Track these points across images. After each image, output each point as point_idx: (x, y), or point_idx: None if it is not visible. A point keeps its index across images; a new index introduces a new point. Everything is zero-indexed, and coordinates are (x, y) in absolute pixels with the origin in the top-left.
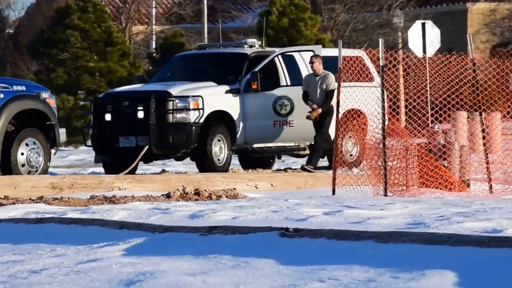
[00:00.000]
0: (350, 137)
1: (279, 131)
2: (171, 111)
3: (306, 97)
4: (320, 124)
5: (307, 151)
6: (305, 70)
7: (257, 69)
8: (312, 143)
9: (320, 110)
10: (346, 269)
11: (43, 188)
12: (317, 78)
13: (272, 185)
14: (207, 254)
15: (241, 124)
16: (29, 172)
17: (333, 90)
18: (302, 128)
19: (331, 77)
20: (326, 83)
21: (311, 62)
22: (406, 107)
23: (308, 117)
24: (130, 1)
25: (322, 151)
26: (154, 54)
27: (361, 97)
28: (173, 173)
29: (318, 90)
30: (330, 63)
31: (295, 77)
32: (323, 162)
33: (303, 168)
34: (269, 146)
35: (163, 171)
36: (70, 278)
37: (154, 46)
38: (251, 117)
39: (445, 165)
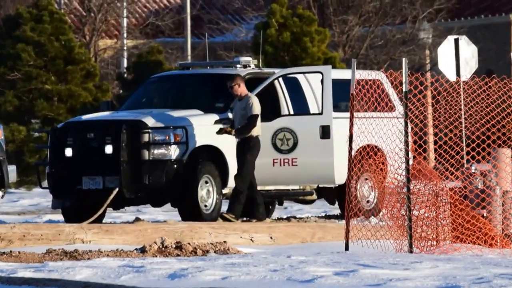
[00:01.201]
0: (366, 179)
1: (280, 171)
2: (146, 146)
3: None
4: (239, 161)
5: (315, 196)
6: (311, 96)
7: (253, 94)
8: (320, 185)
9: (232, 131)
10: None
11: None
12: (239, 102)
13: (271, 237)
14: None
15: (233, 163)
16: None
17: (254, 116)
18: (308, 168)
19: (253, 100)
20: (247, 107)
21: (230, 87)
22: (435, 142)
23: (217, 131)
24: (96, 9)
25: (245, 196)
26: (126, 75)
27: (379, 130)
28: (149, 222)
29: (239, 116)
30: (341, 88)
31: (300, 105)
32: (335, 209)
33: (222, 217)
34: (267, 190)
35: (137, 219)
36: None
37: (125, 65)
38: None
39: (484, 215)
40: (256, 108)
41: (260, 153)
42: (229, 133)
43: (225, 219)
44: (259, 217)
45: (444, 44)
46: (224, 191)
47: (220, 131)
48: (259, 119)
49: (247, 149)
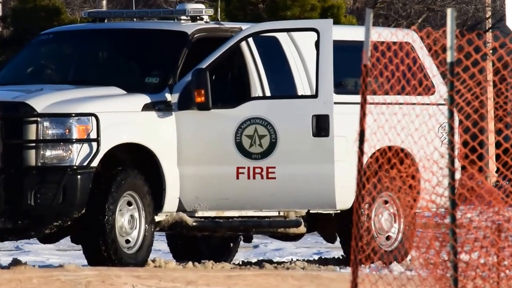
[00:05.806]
0: (386, 202)
1: (248, 188)
2: (33, 144)
3: None
4: None
5: (303, 228)
6: (299, 68)
7: (205, 64)
8: (311, 211)
9: None
10: None
11: None
12: None
13: None
14: None
15: (173, 172)
16: None
17: None
18: (293, 183)
19: None
20: None
21: None
22: (498, 145)
23: None
24: None
25: None
26: (1, 30)
27: (408, 123)
28: (35, 267)
29: None
30: (348, 55)
31: (281, 82)
32: (335, 250)
33: None
34: (227, 217)
35: (16, 262)
36: None
37: (0, 13)
38: (194, 158)
39: None
40: None
41: (215, 156)
42: None
43: None
44: None
45: None
46: (159, 217)
47: None
48: None
49: None
